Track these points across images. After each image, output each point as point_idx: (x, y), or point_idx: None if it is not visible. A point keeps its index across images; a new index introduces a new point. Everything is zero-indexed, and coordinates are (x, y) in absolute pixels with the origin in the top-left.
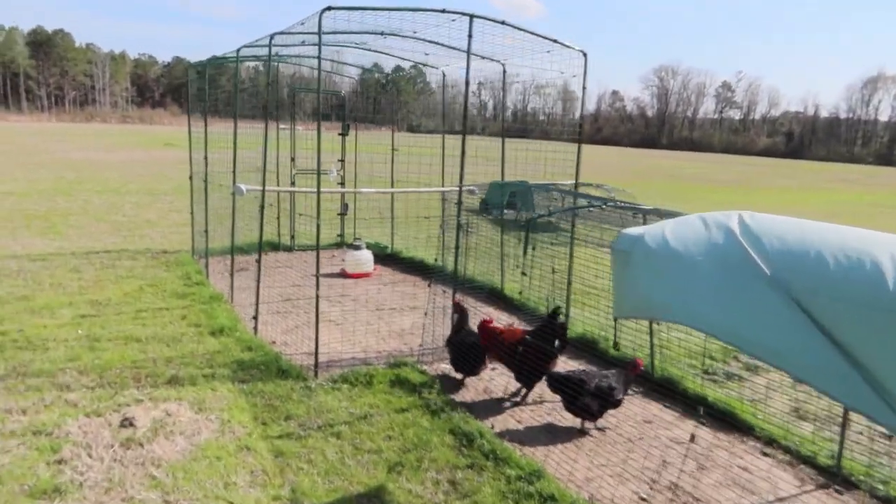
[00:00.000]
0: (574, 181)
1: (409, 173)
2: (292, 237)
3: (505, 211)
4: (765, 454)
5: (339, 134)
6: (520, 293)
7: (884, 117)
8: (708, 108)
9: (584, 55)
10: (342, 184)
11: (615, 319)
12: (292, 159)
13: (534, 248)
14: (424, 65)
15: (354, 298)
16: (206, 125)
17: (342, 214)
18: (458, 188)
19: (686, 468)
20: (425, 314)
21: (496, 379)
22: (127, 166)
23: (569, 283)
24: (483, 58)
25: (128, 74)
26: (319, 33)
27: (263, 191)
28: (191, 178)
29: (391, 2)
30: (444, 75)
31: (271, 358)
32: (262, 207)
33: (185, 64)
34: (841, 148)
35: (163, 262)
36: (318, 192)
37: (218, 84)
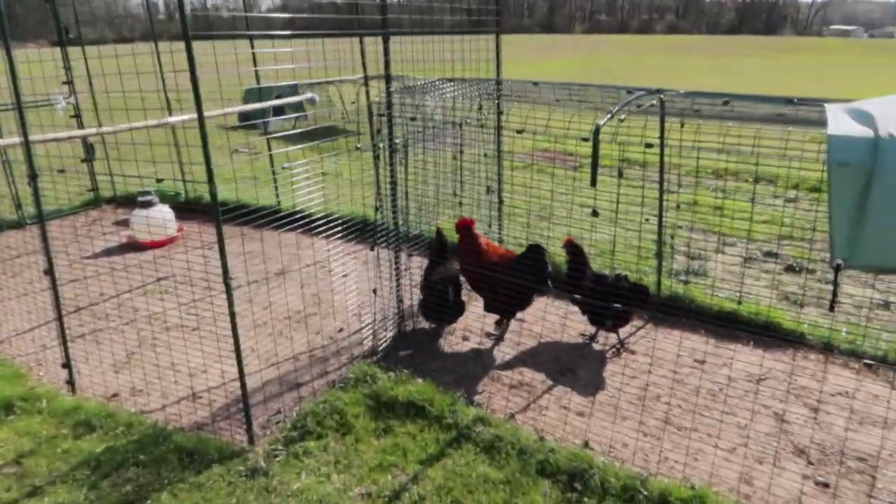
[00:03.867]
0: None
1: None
2: (19, 207)
3: (272, 119)
4: None
5: (54, 43)
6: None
7: None
8: None
9: None
10: (77, 116)
11: (836, 269)
12: None
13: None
14: None
15: (183, 281)
16: None
17: (89, 160)
18: (383, 93)
19: None
20: (374, 291)
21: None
22: None
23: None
24: None
25: None
26: None
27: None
28: None
29: None
30: None
31: (150, 433)
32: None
33: None
34: (512, 20)
35: None
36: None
37: None
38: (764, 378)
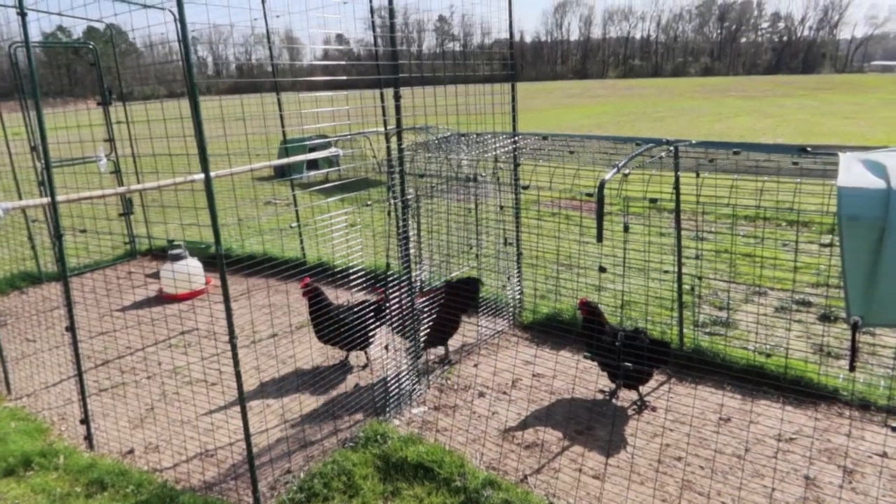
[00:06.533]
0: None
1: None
2: (59, 260)
3: (308, 174)
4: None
5: (99, 104)
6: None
7: (574, 37)
8: (431, 42)
9: None
10: (117, 172)
11: (854, 327)
12: (33, 149)
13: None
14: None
15: (207, 334)
16: None
17: (127, 214)
18: (394, 149)
19: None
20: (386, 347)
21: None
22: None
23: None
24: None
25: None
26: None
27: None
28: None
29: None
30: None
31: (158, 493)
32: (59, 235)
33: None
34: (546, 68)
35: None
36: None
37: None
38: (794, 438)
